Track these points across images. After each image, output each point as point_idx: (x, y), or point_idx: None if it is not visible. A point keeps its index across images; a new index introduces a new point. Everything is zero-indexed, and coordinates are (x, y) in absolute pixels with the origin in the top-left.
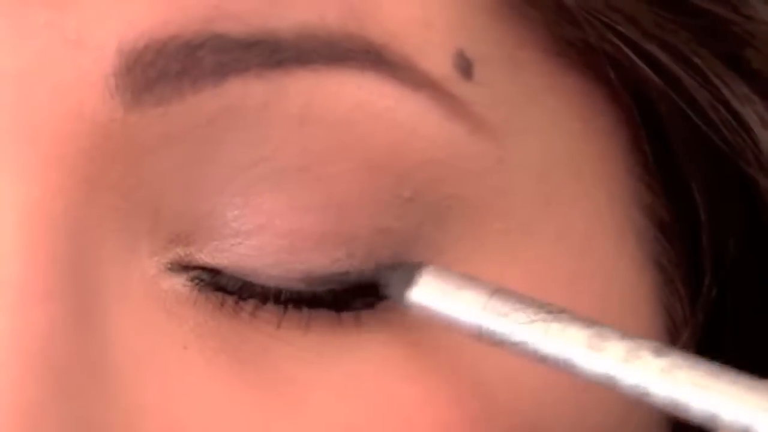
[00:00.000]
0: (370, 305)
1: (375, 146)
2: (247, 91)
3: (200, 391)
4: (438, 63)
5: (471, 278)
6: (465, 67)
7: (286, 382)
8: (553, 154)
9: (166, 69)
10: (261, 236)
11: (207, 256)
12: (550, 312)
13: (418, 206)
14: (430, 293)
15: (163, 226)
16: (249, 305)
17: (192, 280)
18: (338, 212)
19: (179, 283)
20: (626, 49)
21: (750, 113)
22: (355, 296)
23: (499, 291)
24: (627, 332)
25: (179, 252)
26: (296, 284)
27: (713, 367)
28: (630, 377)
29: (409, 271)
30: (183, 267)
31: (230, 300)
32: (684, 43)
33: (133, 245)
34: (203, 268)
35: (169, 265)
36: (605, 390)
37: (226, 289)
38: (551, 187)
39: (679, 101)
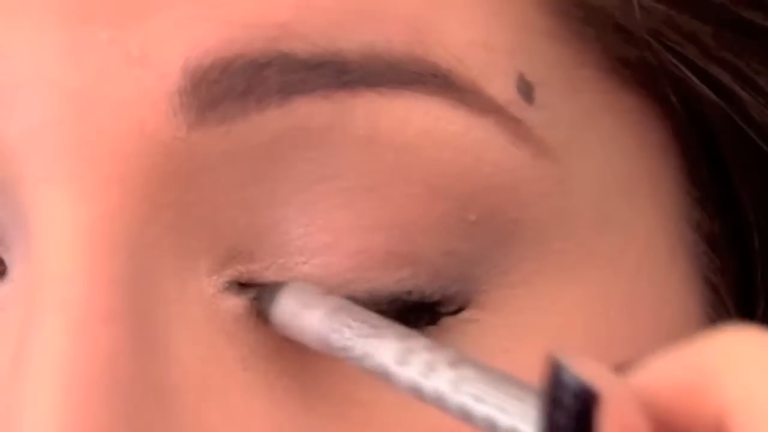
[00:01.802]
0: (433, 323)
1: (441, 171)
2: (313, 111)
3: (261, 413)
4: (502, 87)
5: (321, 295)
6: (527, 91)
7: (352, 405)
8: (610, 174)
9: (232, 87)
10: (327, 255)
11: (271, 275)
12: (372, 327)
13: (482, 230)
14: (286, 311)
15: (222, 244)
16: None
17: (253, 300)
18: (404, 233)
19: (239, 303)
20: (684, 68)
21: None
22: (419, 316)
23: (339, 307)
24: (433, 344)
25: (240, 269)
26: (360, 303)
27: (495, 378)
28: (428, 389)
29: (274, 290)
30: (243, 286)
31: None
32: (744, 62)
33: (192, 264)
34: (265, 287)
35: (227, 285)
36: None
37: None
38: (608, 207)
39: (736, 119)
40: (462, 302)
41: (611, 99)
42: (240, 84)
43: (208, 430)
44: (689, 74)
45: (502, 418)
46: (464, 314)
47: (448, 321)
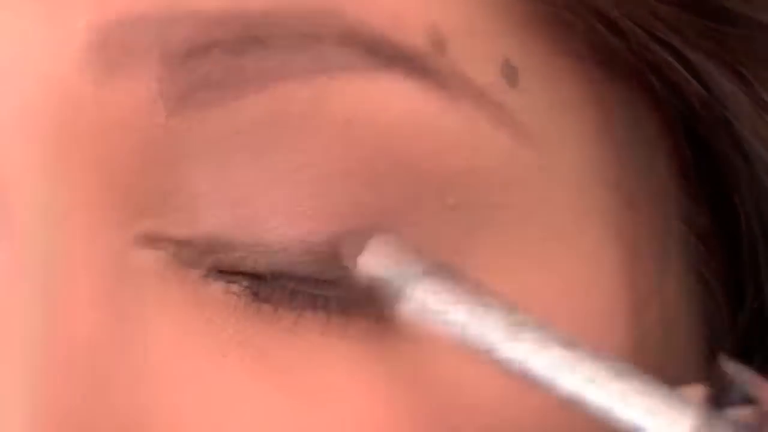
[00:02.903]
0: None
1: (420, 154)
2: (290, 97)
3: (238, 398)
4: (483, 71)
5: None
6: (511, 74)
7: (329, 390)
8: (594, 164)
9: (209, 75)
10: (309, 242)
11: (251, 263)
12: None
13: (461, 213)
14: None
15: (202, 233)
16: (292, 314)
17: (233, 287)
18: (386, 218)
19: (219, 290)
20: (670, 58)
21: None
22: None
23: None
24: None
25: (221, 258)
26: (343, 290)
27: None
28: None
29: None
30: (223, 273)
31: (272, 308)
32: (729, 53)
33: (173, 251)
34: (244, 275)
35: (208, 273)
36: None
37: (269, 296)
38: (591, 197)
39: (722, 110)
40: None
41: (598, 89)
42: (217, 71)
43: (184, 415)
44: (675, 64)
45: (623, 409)
46: None
47: None
